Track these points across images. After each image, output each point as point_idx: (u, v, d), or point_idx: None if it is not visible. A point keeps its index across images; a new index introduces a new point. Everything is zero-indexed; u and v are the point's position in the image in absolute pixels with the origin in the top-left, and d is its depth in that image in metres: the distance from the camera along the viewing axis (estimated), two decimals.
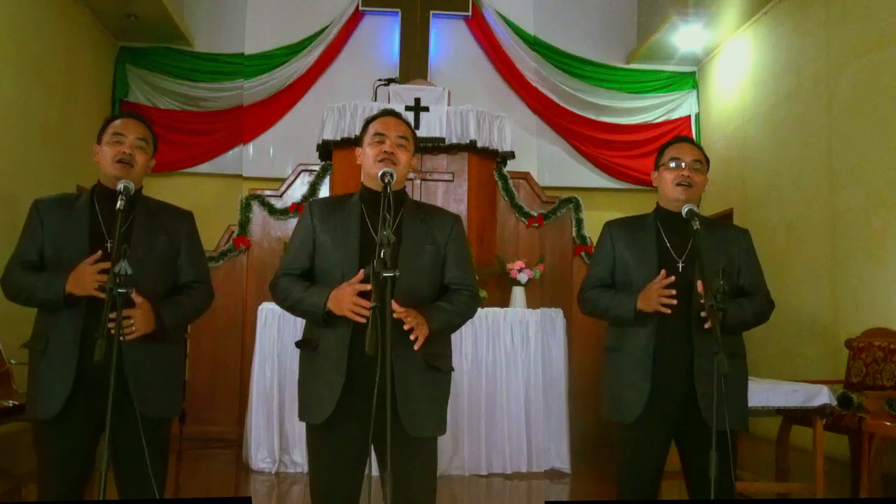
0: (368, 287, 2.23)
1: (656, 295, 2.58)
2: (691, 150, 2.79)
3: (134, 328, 2.42)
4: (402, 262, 2.37)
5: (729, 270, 2.68)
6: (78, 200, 2.62)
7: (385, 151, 2.44)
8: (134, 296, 2.39)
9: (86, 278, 2.39)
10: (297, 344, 2.51)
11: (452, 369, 2.57)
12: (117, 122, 2.64)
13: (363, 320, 2.24)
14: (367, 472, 2.39)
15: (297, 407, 2.49)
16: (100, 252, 2.41)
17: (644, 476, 2.74)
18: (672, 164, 2.76)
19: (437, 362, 2.44)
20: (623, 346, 2.74)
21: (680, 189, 2.73)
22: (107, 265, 2.33)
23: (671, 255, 2.72)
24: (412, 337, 2.27)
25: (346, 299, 2.29)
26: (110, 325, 2.23)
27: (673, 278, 2.59)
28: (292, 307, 2.46)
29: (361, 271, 2.30)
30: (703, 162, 2.79)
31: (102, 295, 2.26)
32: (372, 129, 2.52)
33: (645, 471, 2.73)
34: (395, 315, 2.22)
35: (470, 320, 2.58)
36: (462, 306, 2.48)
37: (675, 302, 2.57)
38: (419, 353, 2.34)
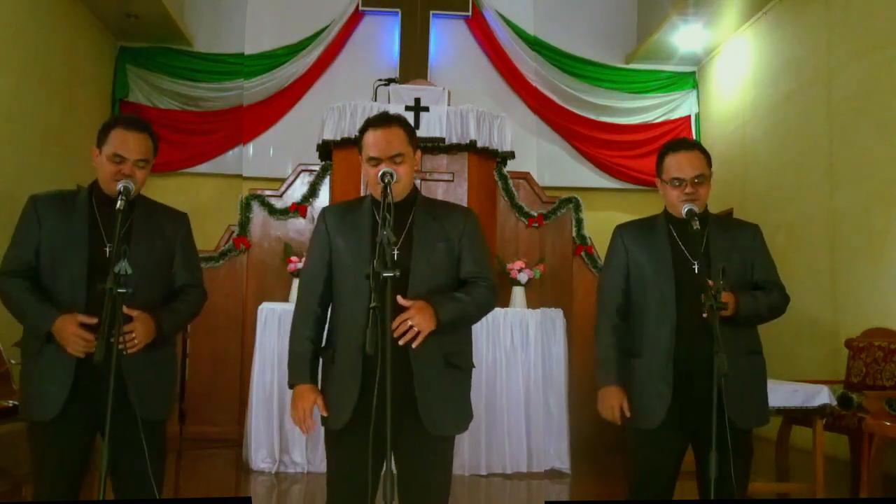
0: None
1: (609, 412, 2.71)
2: (692, 166, 2.70)
3: (136, 341, 2.41)
4: (415, 261, 2.36)
5: (741, 268, 2.69)
6: (76, 198, 2.57)
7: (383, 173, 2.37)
8: (128, 311, 2.35)
9: (68, 338, 2.36)
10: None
11: (473, 366, 2.54)
12: (118, 134, 2.52)
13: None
14: (381, 472, 2.38)
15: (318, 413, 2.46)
16: (88, 318, 2.37)
17: (659, 482, 2.72)
18: (676, 184, 2.71)
19: (456, 360, 2.42)
20: (642, 352, 2.71)
21: (685, 203, 2.70)
22: (92, 321, 2.34)
23: (685, 256, 2.71)
24: (401, 342, 2.24)
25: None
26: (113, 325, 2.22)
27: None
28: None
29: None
30: (706, 174, 2.73)
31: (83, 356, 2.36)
32: (366, 148, 2.42)
33: (661, 477, 2.72)
34: (401, 305, 2.22)
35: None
36: (478, 297, 2.42)
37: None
38: (438, 351, 2.33)
